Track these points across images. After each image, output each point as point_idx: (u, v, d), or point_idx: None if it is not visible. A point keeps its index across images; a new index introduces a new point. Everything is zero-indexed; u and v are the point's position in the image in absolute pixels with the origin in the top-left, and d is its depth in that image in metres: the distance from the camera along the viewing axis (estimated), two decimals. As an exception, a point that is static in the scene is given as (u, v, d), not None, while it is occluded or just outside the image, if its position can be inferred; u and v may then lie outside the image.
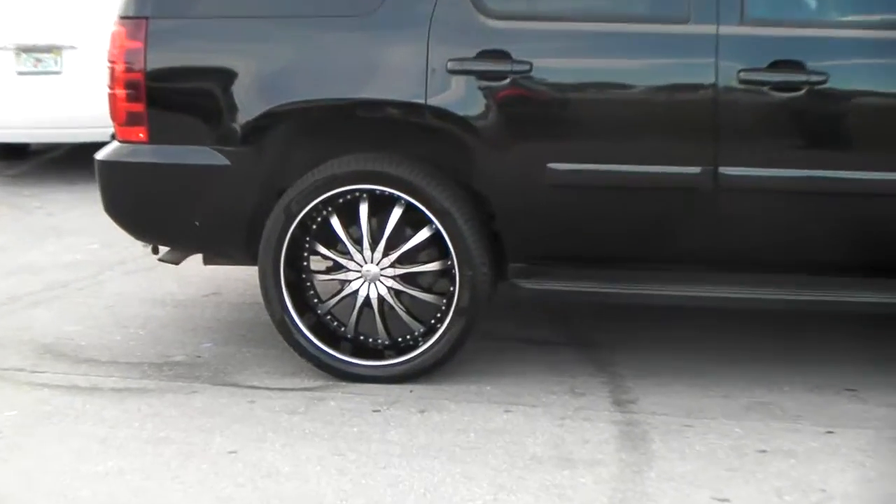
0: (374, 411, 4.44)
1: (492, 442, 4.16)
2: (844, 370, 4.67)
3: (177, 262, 5.10)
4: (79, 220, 7.40)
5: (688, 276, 4.48)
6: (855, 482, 3.82)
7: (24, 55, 8.29)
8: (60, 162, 9.28)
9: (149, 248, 5.08)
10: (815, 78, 4.25)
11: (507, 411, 4.42)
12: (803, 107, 4.28)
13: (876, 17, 4.30)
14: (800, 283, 4.35)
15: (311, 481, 3.91)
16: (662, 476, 3.90)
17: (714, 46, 4.26)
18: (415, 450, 4.10)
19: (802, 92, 4.25)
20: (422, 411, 4.43)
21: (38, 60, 8.27)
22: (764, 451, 4.08)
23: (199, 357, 5.05)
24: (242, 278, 5.88)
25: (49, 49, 8.26)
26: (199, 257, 5.09)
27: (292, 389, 4.67)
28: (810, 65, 4.24)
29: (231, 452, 4.12)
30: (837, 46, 4.26)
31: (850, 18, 4.36)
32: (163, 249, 5.05)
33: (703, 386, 4.61)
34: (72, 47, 8.25)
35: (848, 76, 4.28)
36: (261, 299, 4.76)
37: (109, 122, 4.83)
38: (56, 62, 8.30)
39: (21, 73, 8.31)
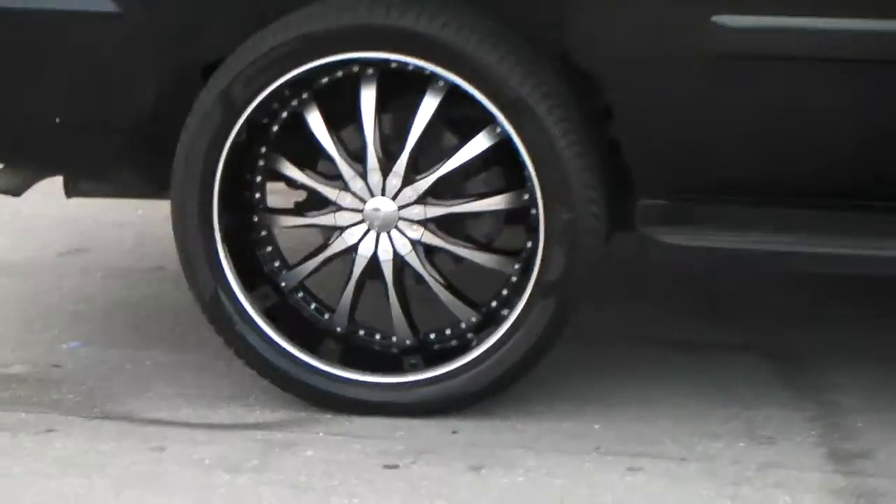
0: (388, 468, 4.37)
1: (607, 526, 4.11)
2: None
3: (16, 193, 5.06)
4: None
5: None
6: None
7: None
8: None
9: (-37, 166, 5.04)
10: None
11: (632, 469, 4.36)
12: None
13: None
14: None
15: None
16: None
17: None
18: (465, 540, 4.08)
19: None
20: (476, 469, 4.35)
21: None
22: None
23: (58, 366, 5.07)
24: (133, 223, 6.02)
25: None
26: (55, 183, 5.01)
27: (234, 427, 4.65)
28: None
29: (121, 542, 4.17)
30: None
31: None
32: (-10, 168, 5.07)
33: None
34: None
35: None
36: (171, 262, 4.82)
37: None
38: None
39: None
